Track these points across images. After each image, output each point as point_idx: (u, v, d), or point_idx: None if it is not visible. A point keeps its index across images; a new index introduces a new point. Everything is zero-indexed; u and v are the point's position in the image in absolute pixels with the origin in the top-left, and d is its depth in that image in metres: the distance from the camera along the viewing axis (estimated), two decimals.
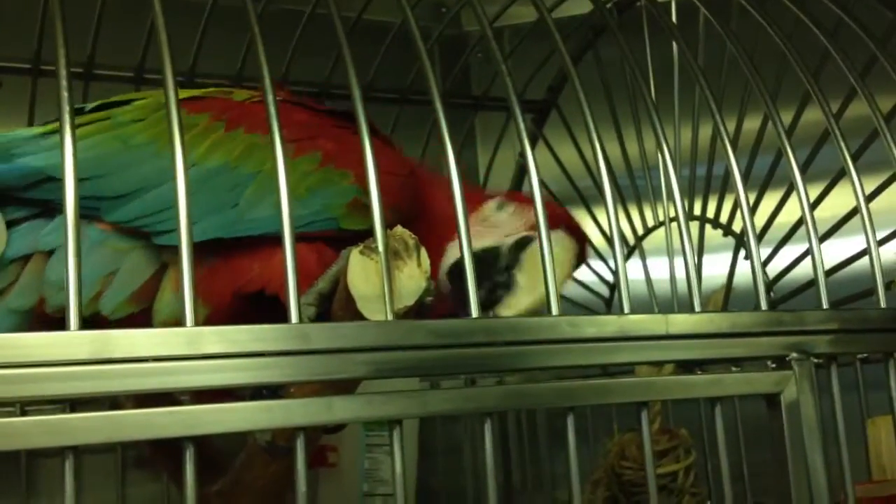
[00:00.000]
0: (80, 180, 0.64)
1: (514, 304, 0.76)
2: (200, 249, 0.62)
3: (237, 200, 0.74)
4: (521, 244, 0.79)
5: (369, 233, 0.71)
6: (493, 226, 0.82)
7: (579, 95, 0.72)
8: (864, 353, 0.69)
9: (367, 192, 0.71)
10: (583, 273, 1.26)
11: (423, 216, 0.78)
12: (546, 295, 0.60)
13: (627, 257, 1.18)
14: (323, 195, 0.75)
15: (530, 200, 0.65)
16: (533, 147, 1.34)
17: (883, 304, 0.70)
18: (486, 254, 0.78)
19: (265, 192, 0.73)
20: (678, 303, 1.11)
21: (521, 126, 0.68)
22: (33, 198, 0.74)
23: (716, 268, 1.12)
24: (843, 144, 0.80)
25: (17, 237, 0.74)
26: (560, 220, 0.82)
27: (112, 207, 0.73)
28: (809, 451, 0.62)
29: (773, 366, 0.64)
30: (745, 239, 0.67)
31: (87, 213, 0.72)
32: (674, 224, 1.15)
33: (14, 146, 0.77)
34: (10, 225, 0.74)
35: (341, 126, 0.82)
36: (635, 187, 1.24)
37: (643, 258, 1.11)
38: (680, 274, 1.15)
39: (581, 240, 0.84)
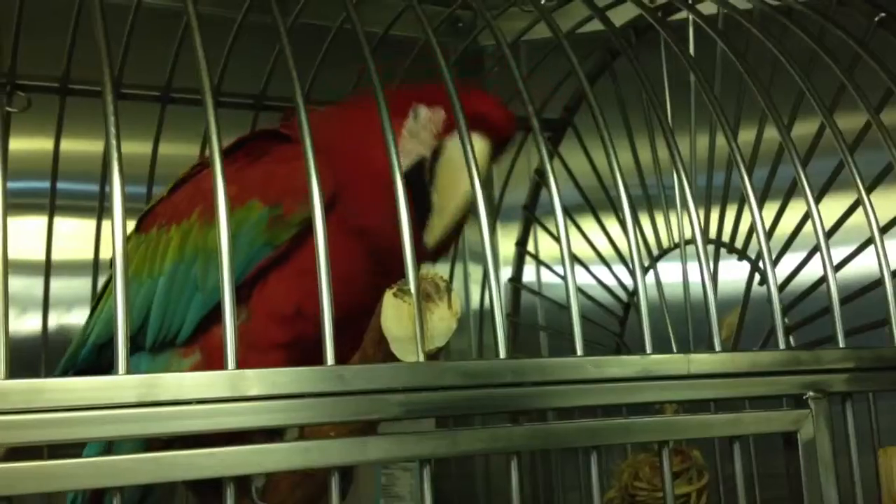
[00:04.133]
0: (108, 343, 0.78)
1: (430, 231, 0.78)
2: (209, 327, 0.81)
3: (197, 284, 0.83)
4: (434, 158, 0.80)
5: (303, 234, 0.79)
6: (414, 136, 0.81)
7: (598, 121, 0.74)
8: (880, 391, 0.70)
9: (278, 204, 0.80)
10: (604, 275, 1.29)
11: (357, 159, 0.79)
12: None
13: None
14: (243, 237, 0.80)
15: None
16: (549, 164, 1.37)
17: None
18: (413, 173, 0.80)
19: (207, 264, 0.83)
20: (692, 324, 1.13)
21: (543, 149, 0.70)
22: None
23: (728, 282, 1.14)
24: (858, 179, 0.82)
25: None
26: (473, 120, 0.78)
27: (144, 341, 0.85)
28: (825, 488, 0.64)
29: (790, 404, 0.66)
30: (767, 285, 0.68)
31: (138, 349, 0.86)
32: (689, 246, 1.17)
33: (86, 329, 0.93)
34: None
35: (231, 157, 0.84)
36: (650, 206, 1.25)
37: (659, 285, 1.13)
38: (693, 293, 1.17)
39: (501, 130, 0.80)
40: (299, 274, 0.81)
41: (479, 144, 0.78)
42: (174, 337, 0.84)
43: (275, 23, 0.69)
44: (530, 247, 1.43)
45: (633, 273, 0.65)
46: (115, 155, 0.52)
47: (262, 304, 0.80)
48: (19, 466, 0.48)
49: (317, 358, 0.56)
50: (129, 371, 0.49)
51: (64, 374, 0.94)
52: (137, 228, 0.92)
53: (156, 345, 0.85)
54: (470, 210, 0.79)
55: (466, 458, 1.44)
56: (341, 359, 0.56)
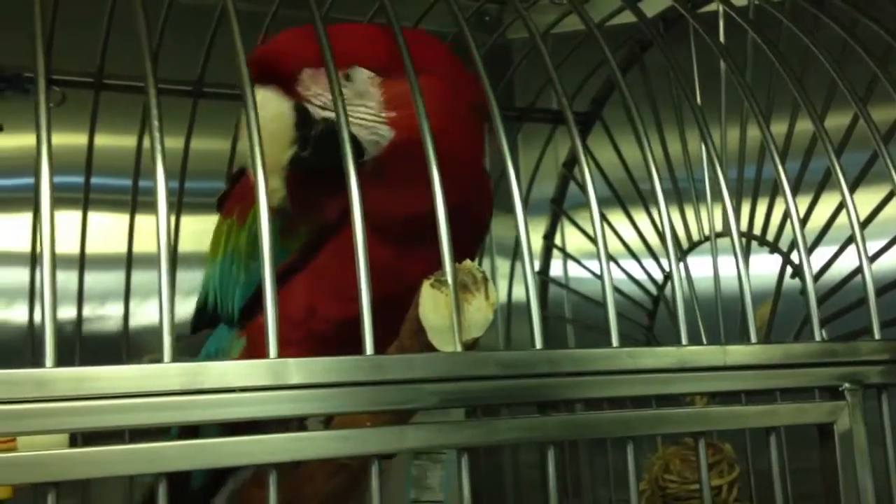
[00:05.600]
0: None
1: None
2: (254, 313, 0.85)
3: (236, 277, 0.90)
4: None
5: (314, 241, 0.82)
6: None
7: (631, 113, 0.74)
8: None
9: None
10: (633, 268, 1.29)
11: None
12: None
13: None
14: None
15: None
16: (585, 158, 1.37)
17: None
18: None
19: (241, 261, 0.89)
20: (722, 316, 1.13)
21: (577, 140, 0.71)
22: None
23: (757, 276, 1.13)
24: (893, 170, 0.81)
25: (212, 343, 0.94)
26: (260, 72, 0.75)
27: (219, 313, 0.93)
28: (861, 480, 0.64)
29: (824, 396, 0.66)
30: (802, 276, 0.68)
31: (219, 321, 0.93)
32: (718, 240, 1.17)
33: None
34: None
35: None
36: (680, 199, 1.25)
37: (689, 277, 1.12)
38: (723, 286, 1.16)
39: (270, 70, 0.76)
40: (314, 277, 0.84)
41: (258, 95, 0.74)
42: (231, 317, 0.89)
43: (309, 17, 0.70)
44: (557, 240, 1.43)
45: (666, 262, 0.64)
46: (157, 148, 0.53)
47: (281, 304, 0.83)
48: (51, 454, 0.49)
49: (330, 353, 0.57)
50: (174, 359, 0.50)
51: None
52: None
53: (225, 319, 0.92)
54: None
55: (495, 452, 1.44)
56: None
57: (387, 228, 0.77)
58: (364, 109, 0.78)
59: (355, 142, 0.76)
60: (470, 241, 0.87)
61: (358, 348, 0.56)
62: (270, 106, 0.76)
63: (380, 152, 0.78)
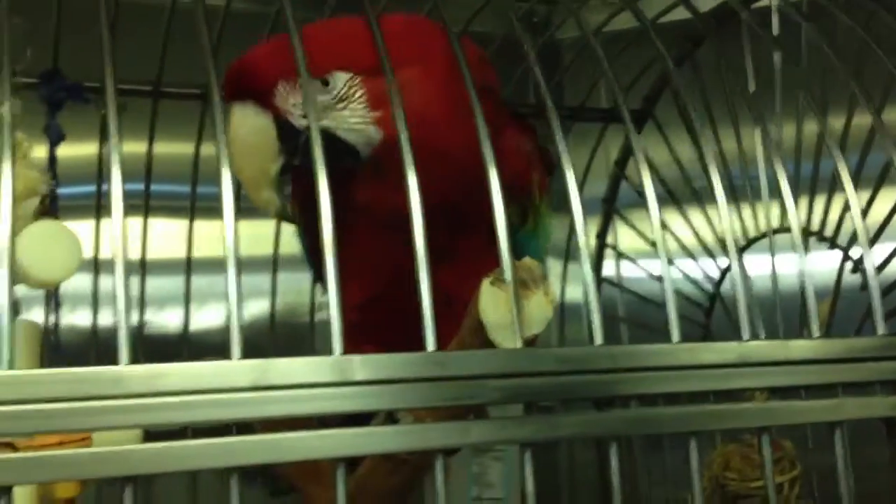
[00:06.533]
0: None
1: None
2: None
3: None
4: None
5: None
6: None
7: (689, 111, 0.74)
8: None
9: None
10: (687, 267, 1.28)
11: None
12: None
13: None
14: None
15: None
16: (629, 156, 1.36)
17: None
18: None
19: None
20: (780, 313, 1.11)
21: (633, 133, 0.71)
22: None
23: (814, 271, 1.12)
24: None
25: None
26: (235, 89, 0.78)
27: None
28: None
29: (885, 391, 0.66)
30: (863, 271, 0.68)
31: None
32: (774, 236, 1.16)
33: None
34: None
35: None
36: (735, 196, 1.24)
37: (744, 275, 1.11)
38: (781, 284, 1.15)
39: (235, 90, 0.77)
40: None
41: (236, 112, 0.78)
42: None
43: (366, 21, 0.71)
44: (609, 239, 1.43)
45: (721, 260, 0.64)
46: (223, 151, 0.55)
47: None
48: (126, 449, 0.50)
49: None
50: (242, 356, 0.51)
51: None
52: None
53: None
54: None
55: (551, 450, 1.44)
56: (412, 333, 0.57)
57: (394, 221, 0.70)
58: (348, 113, 0.78)
59: (347, 145, 0.78)
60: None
61: (384, 330, 0.58)
62: (248, 121, 0.77)
63: (374, 151, 0.79)
